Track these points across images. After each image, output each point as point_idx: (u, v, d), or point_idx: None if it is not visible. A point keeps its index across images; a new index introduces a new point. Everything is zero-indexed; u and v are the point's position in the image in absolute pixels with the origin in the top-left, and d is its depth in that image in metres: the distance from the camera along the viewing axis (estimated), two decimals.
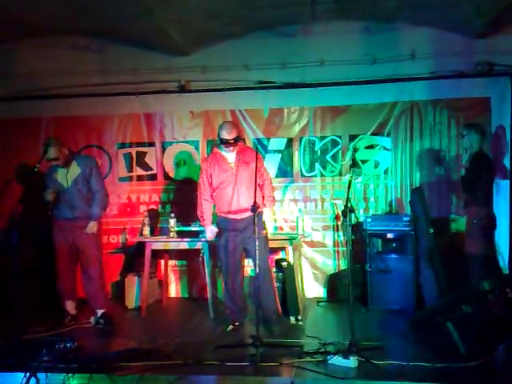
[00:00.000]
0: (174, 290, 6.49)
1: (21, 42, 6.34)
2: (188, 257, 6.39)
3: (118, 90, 6.37)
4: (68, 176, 4.96)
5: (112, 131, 6.56)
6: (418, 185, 6.02)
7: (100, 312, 5.00)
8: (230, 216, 4.66)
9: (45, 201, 4.95)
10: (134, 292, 5.83)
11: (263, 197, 4.78)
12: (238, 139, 4.66)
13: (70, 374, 3.49)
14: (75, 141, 6.55)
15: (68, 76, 6.34)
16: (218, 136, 4.69)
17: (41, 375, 3.49)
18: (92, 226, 4.99)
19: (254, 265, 4.57)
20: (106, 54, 6.38)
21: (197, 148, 6.50)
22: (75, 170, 4.99)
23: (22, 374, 3.47)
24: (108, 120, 6.57)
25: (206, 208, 4.77)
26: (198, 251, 5.52)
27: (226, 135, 4.59)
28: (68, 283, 5.06)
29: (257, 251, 4.09)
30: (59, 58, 6.39)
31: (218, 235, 4.82)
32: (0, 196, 6.34)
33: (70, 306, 5.11)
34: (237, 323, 4.79)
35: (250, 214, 4.44)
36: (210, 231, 4.78)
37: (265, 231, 4.73)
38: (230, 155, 4.69)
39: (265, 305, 4.66)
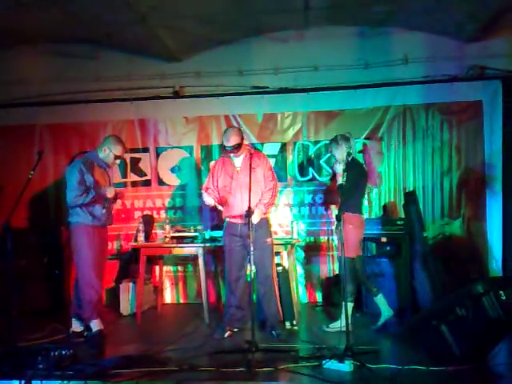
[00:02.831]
0: (170, 296, 6.49)
1: (14, 49, 6.35)
2: (183, 263, 6.42)
3: (112, 96, 6.41)
4: (106, 180, 4.71)
5: None
6: (411, 188, 6.06)
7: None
8: (234, 220, 4.66)
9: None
10: (128, 298, 5.81)
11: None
12: (238, 146, 4.60)
13: (65, 382, 3.47)
14: (69, 147, 6.58)
15: (62, 83, 6.38)
16: (221, 142, 4.72)
17: (36, 383, 3.47)
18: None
19: (256, 271, 4.60)
20: (100, 60, 6.40)
21: (191, 153, 6.52)
22: (109, 172, 4.80)
23: (18, 382, 3.46)
24: (102, 126, 6.58)
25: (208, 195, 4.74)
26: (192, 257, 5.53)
27: (225, 142, 4.60)
28: (101, 297, 4.77)
29: (251, 256, 4.08)
30: (52, 65, 6.42)
31: (224, 239, 4.84)
32: None
33: (99, 323, 4.62)
34: (235, 329, 4.79)
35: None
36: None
37: (270, 239, 4.71)
38: (237, 160, 4.67)
39: (268, 311, 4.69)
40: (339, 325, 4.69)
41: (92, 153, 4.77)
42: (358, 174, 4.87)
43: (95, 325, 4.58)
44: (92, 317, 4.58)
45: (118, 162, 4.74)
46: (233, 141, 4.58)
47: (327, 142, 6.20)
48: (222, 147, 4.71)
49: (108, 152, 4.63)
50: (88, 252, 4.56)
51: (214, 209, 4.88)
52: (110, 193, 4.56)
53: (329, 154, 6.21)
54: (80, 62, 6.36)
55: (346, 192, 4.82)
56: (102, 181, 4.62)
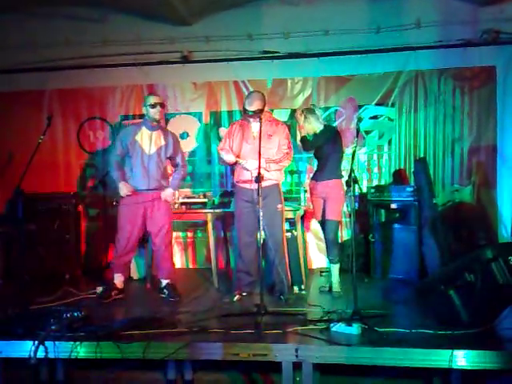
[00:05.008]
0: (179, 260, 6.55)
1: (21, 13, 6.29)
2: (192, 228, 6.47)
3: (120, 61, 6.36)
4: (152, 143, 4.78)
5: (115, 103, 6.56)
6: (421, 155, 6.02)
7: (165, 282, 4.93)
8: (245, 185, 4.64)
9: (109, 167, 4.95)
10: (139, 263, 5.88)
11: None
12: (259, 112, 4.49)
13: (77, 343, 3.54)
14: (78, 113, 6.60)
15: (69, 47, 6.34)
16: (243, 104, 4.66)
17: (49, 343, 3.55)
18: (170, 194, 4.86)
19: (266, 237, 4.61)
20: (108, 24, 6.33)
21: (200, 120, 6.49)
22: (160, 140, 4.81)
23: (31, 343, 3.53)
24: (110, 92, 6.56)
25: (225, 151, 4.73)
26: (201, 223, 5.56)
27: (248, 106, 4.53)
28: (127, 258, 4.92)
29: (261, 221, 4.09)
30: (60, 29, 6.36)
31: (234, 205, 4.85)
32: (4, 168, 6.46)
33: (119, 280, 4.91)
34: (244, 293, 4.83)
35: (265, 184, 4.44)
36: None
37: (280, 205, 4.69)
38: (255, 125, 4.57)
39: (277, 276, 4.70)
40: (336, 285, 4.93)
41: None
42: (336, 139, 4.93)
43: (115, 279, 4.91)
44: (113, 270, 4.92)
45: (156, 109, 4.72)
46: (256, 105, 4.51)
47: (338, 108, 6.21)
48: (243, 110, 4.63)
49: (146, 109, 4.75)
50: (119, 214, 4.84)
51: (230, 166, 4.91)
52: None
53: (339, 120, 6.21)
54: (88, 26, 6.30)
55: (321, 159, 4.94)
56: (144, 142, 4.76)
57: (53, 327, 3.67)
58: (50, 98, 6.60)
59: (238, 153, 4.69)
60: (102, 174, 6.16)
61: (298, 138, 5.08)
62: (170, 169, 5.12)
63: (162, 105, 4.81)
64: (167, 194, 4.84)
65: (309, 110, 4.96)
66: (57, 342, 3.56)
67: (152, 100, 4.72)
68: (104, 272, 5.91)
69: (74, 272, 5.91)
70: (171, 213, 5.03)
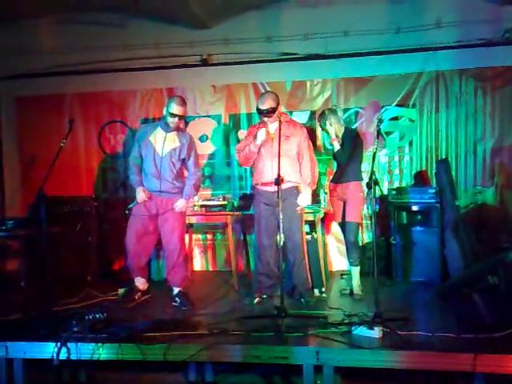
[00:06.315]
0: (199, 263, 6.57)
1: (43, 18, 6.37)
2: (212, 231, 6.49)
3: (140, 64, 6.40)
4: (165, 144, 4.68)
5: (135, 106, 6.61)
6: (443, 156, 5.95)
7: (176, 290, 4.79)
8: (264, 188, 4.64)
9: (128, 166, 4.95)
10: (159, 265, 5.91)
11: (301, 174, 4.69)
12: (272, 111, 4.50)
13: (99, 344, 3.57)
14: (99, 116, 6.66)
15: (90, 52, 6.39)
16: (256, 105, 4.67)
17: (71, 345, 3.58)
18: (182, 204, 4.70)
19: (286, 239, 4.60)
20: (128, 28, 6.36)
21: (219, 122, 6.50)
22: (174, 141, 4.70)
23: (54, 344, 3.56)
24: (131, 95, 6.60)
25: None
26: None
27: (260, 104, 4.55)
28: (141, 260, 4.89)
29: (281, 224, 4.08)
30: (81, 34, 6.41)
31: (253, 207, 4.86)
32: (27, 171, 6.54)
33: (140, 282, 4.94)
34: (264, 296, 4.82)
35: (285, 186, 4.40)
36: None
37: (300, 207, 4.67)
38: (272, 126, 4.59)
39: (297, 279, 4.70)
40: (357, 288, 4.90)
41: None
42: (357, 142, 4.92)
43: (136, 281, 4.95)
44: (132, 274, 4.95)
45: (175, 119, 4.62)
46: (268, 104, 4.52)
47: (357, 109, 6.18)
48: (257, 111, 4.63)
49: (166, 112, 4.65)
50: (129, 219, 4.84)
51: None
52: None
53: (360, 122, 6.18)
54: (108, 31, 6.33)
55: (342, 161, 4.93)
56: (158, 143, 4.68)
57: (75, 329, 3.71)
58: (71, 102, 6.68)
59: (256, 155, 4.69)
60: (123, 177, 6.23)
61: (319, 140, 5.08)
62: None
63: (182, 117, 4.70)
64: (179, 205, 4.69)
65: (331, 111, 4.96)
66: (79, 344, 3.59)
67: (174, 109, 4.58)
68: (124, 274, 5.96)
69: (96, 274, 5.97)
70: (183, 219, 4.88)
